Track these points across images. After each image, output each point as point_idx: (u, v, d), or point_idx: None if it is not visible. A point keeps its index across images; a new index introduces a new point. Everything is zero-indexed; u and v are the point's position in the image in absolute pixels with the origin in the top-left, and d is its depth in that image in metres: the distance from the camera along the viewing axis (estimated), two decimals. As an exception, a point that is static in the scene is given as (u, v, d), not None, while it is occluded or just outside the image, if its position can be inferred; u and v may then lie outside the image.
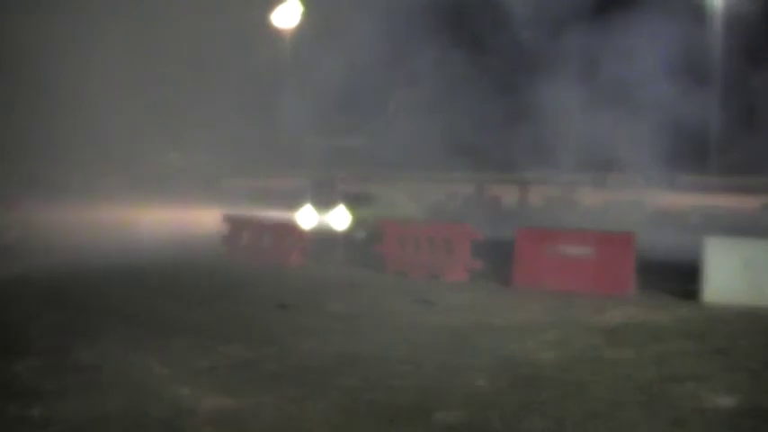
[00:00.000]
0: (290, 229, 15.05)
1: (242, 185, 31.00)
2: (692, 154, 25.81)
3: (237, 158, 33.75)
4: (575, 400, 6.33)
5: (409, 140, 27.07)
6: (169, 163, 36.07)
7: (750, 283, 10.42)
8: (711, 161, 27.44)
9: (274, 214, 17.09)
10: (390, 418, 5.97)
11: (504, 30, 22.75)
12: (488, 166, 29.73)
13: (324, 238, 14.89)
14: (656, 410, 6.10)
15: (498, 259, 12.40)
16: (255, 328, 9.08)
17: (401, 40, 24.28)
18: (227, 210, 18.37)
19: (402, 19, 23.73)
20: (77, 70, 23.80)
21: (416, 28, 23.97)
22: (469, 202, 27.36)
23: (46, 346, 7.89)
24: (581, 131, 24.27)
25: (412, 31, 24.21)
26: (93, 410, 6.03)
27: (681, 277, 11.21)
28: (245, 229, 16.10)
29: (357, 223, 15.04)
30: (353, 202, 15.93)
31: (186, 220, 22.26)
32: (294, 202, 15.98)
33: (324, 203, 15.57)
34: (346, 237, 14.73)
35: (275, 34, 31.63)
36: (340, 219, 14.59)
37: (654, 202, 25.34)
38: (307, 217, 14.92)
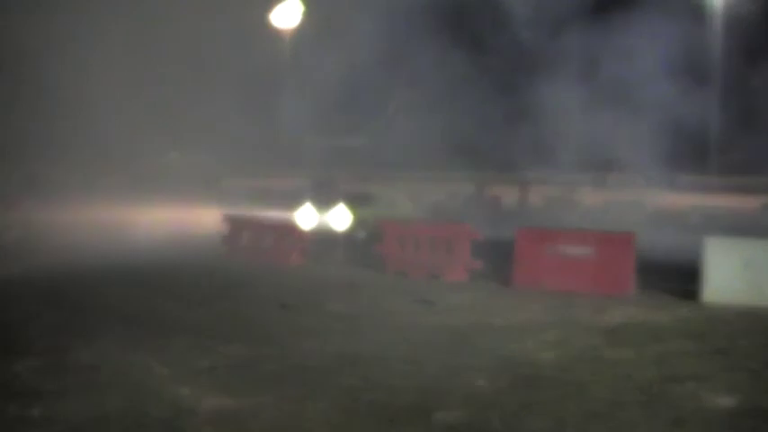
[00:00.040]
0: (290, 229, 15.05)
1: (242, 185, 30.96)
2: (692, 154, 25.82)
3: (237, 158, 33.74)
4: (575, 400, 6.33)
5: (409, 140, 27.06)
6: (169, 163, 36.05)
7: (750, 283, 10.42)
8: (711, 161, 27.45)
9: (274, 214, 17.09)
10: (390, 418, 5.97)
11: (504, 30, 22.75)
12: (488, 166, 29.72)
13: (324, 238, 14.88)
14: (656, 410, 6.10)
15: (498, 259, 12.40)
16: (255, 328, 9.08)
17: (401, 40, 24.29)
18: (227, 210, 18.37)
19: (402, 19, 23.73)
20: (77, 70, 23.79)
21: (416, 28, 23.97)
22: (469, 202, 27.31)
23: (46, 346, 7.89)
24: (581, 131, 24.28)
25: (412, 32, 24.21)
26: (92, 410, 6.04)
27: (681, 277, 11.21)
28: (245, 229, 16.10)
29: (357, 223, 15.03)
30: (352, 201, 15.93)
31: (186, 219, 22.25)
32: (294, 202, 15.96)
33: (324, 203, 15.56)
34: (346, 237, 14.73)
35: (275, 34, 31.63)
36: (340, 219, 14.58)
37: (654, 202, 25.32)
38: (307, 217, 14.92)
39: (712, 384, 6.74)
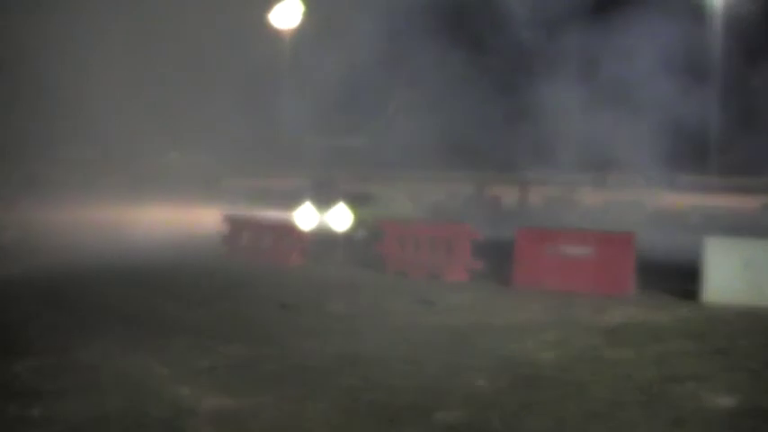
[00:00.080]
0: (290, 230, 15.04)
1: (242, 185, 30.99)
2: (692, 154, 25.82)
3: (237, 158, 33.76)
4: (575, 400, 6.32)
5: (409, 140, 27.06)
6: (169, 163, 36.07)
7: (750, 283, 10.42)
8: (711, 161, 27.45)
9: (274, 214, 17.08)
10: (390, 418, 5.97)
11: (503, 30, 22.74)
12: (488, 166, 29.73)
13: (324, 238, 14.88)
14: (656, 410, 6.10)
15: (498, 259, 12.40)
16: (255, 328, 9.08)
17: (401, 40, 24.29)
18: (227, 210, 18.38)
19: (402, 19, 23.73)
20: (77, 70, 23.81)
21: (416, 28, 23.97)
22: (469, 202, 27.32)
23: (45, 347, 7.89)
24: (581, 131, 24.27)
25: (412, 32, 24.21)
26: (92, 410, 6.03)
27: (681, 277, 11.20)
28: (245, 229, 16.09)
29: (357, 223, 15.03)
30: (352, 201, 15.92)
31: (186, 219, 22.26)
32: (294, 202, 15.96)
33: (324, 203, 15.56)
34: (346, 237, 14.73)
35: (275, 34, 31.64)
36: (340, 219, 14.58)
37: (654, 202, 25.33)
38: (307, 217, 14.92)
39: (712, 384, 6.74)
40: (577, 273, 11.42)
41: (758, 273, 10.45)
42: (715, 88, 24.06)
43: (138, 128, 27.50)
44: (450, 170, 29.73)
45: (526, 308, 10.32)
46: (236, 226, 16.22)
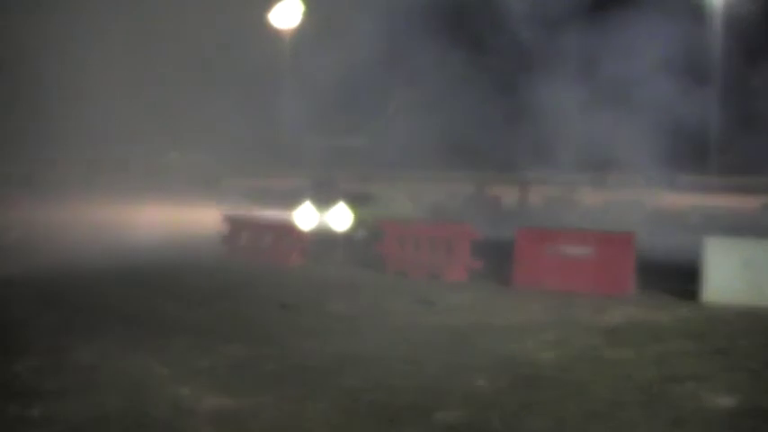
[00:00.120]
0: (290, 230, 15.04)
1: (242, 185, 30.98)
2: (692, 154, 25.80)
3: (237, 158, 33.75)
4: (575, 400, 6.33)
5: (409, 140, 27.05)
6: (169, 163, 36.07)
7: (750, 283, 10.42)
8: (711, 161, 27.43)
9: (274, 214, 17.08)
10: (390, 418, 5.97)
11: (503, 30, 22.73)
12: (488, 166, 29.71)
13: (324, 238, 14.88)
14: (656, 410, 6.10)
15: (498, 259, 12.39)
16: (255, 328, 9.08)
17: (401, 40, 24.28)
18: (227, 209, 18.37)
19: (402, 19, 23.72)
20: (77, 70, 23.80)
21: (416, 28, 23.96)
22: (469, 202, 27.31)
23: (46, 346, 7.90)
24: (581, 131, 24.26)
25: (412, 31, 24.20)
26: (92, 410, 6.04)
27: (681, 277, 11.20)
28: (245, 229, 16.09)
29: (357, 223, 15.03)
30: (351, 201, 15.92)
31: (186, 219, 22.25)
32: (294, 202, 15.96)
33: (324, 203, 15.56)
34: (346, 237, 14.73)
35: (275, 34, 31.62)
36: (340, 219, 14.58)
37: (654, 202, 25.32)
38: (307, 217, 14.92)
39: (712, 384, 6.74)
40: (577, 273, 11.43)
41: (758, 273, 10.45)
42: (715, 88, 24.04)
43: (138, 128, 27.50)
44: (451, 170, 29.72)
45: (526, 308, 10.32)
46: (236, 226, 16.22)
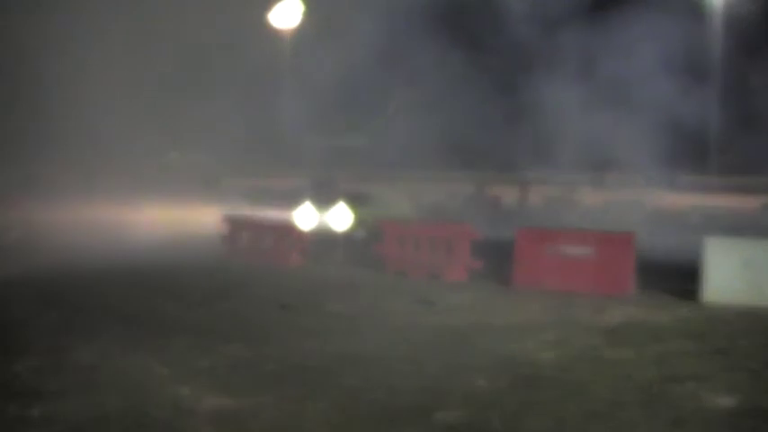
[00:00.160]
0: (290, 230, 15.04)
1: (242, 185, 30.98)
2: (692, 154, 25.79)
3: (237, 158, 33.73)
4: (575, 400, 6.32)
5: (409, 140, 27.04)
6: (169, 163, 36.05)
7: (750, 283, 10.42)
8: (711, 161, 27.43)
9: (274, 214, 17.09)
10: (390, 418, 5.97)
11: (503, 29, 22.73)
12: (488, 166, 29.71)
13: (323, 238, 14.89)
14: (656, 410, 6.10)
15: (498, 259, 12.40)
16: (255, 328, 9.08)
17: (401, 40, 24.27)
18: (227, 210, 18.37)
19: (402, 19, 23.72)
20: (77, 70, 23.80)
21: (416, 28, 23.95)
22: (469, 202, 27.32)
23: (46, 346, 7.90)
24: (581, 131, 24.26)
25: (412, 31, 24.20)
26: (92, 410, 6.03)
27: (681, 277, 11.21)
28: (245, 229, 16.10)
29: (357, 223, 15.03)
30: (349, 201, 15.92)
31: (186, 220, 22.25)
32: (294, 201, 15.96)
33: (324, 203, 15.56)
34: (346, 237, 14.73)
35: (275, 34, 31.62)
36: (340, 219, 14.58)
37: (654, 202, 25.32)
38: (306, 217, 14.92)
39: (712, 384, 6.74)
40: (577, 273, 11.43)
41: (758, 273, 10.45)
42: (715, 88, 24.04)
43: (138, 128, 27.47)
44: (451, 170, 29.71)
45: (526, 308, 10.32)
46: (236, 226, 16.23)
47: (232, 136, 30.18)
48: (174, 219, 22.26)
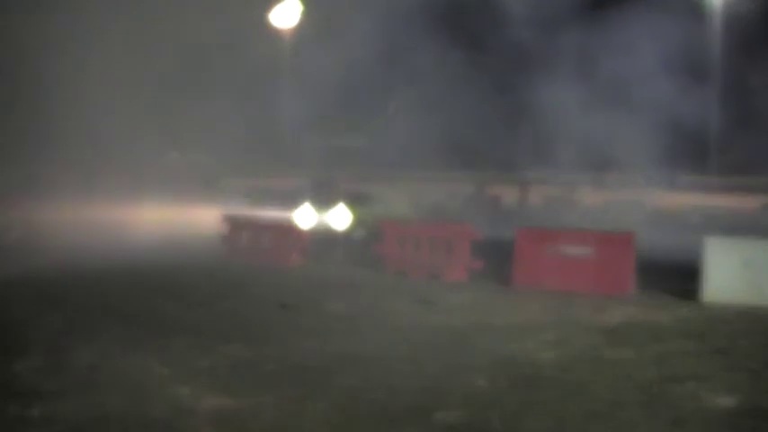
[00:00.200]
0: (290, 230, 15.05)
1: (242, 185, 30.98)
2: (692, 154, 25.79)
3: (237, 158, 33.73)
4: (575, 400, 6.32)
5: (409, 140, 27.05)
6: (169, 163, 36.04)
7: (750, 282, 10.42)
8: (711, 161, 27.43)
9: (274, 214, 17.09)
10: (390, 418, 5.97)
11: (503, 29, 22.72)
12: (488, 166, 29.72)
13: (323, 238, 14.89)
14: (656, 410, 6.10)
15: (498, 259, 12.40)
16: (255, 328, 9.08)
17: (401, 39, 24.27)
18: (227, 210, 18.38)
19: (401, 19, 23.71)
20: (77, 70, 23.80)
21: (416, 28, 23.95)
22: (469, 202, 27.33)
23: (46, 346, 7.90)
24: (581, 131, 24.26)
25: (411, 31, 24.19)
26: (92, 410, 6.04)
27: (681, 277, 11.21)
28: (245, 229, 16.10)
29: (356, 223, 15.04)
30: (350, 201, 15.93)
31: (186, 219, 22.26)
32: (294, 201, 15.97)
33: (323, 203, 15.57)
34: (346, 237, 14.73)
35: (275, 34, 31.62)
36: (340, 219, 14.58)
37: (654, 202, 25.32)
38: (306, 217, 14.92)
39: (712, 384, 6.74)
40: (577, 273, 11.43)
41: (758, 273, 10.46)
42: (715, 88, 24.04)
43: (138, 128, 27.47)
44: (451, 170, 29.71)
45: (526, 308, 10.32)
46: (236, 226, 16.23)
47: (232, 136, 30.18)
48: (174, 219, 22.27)
